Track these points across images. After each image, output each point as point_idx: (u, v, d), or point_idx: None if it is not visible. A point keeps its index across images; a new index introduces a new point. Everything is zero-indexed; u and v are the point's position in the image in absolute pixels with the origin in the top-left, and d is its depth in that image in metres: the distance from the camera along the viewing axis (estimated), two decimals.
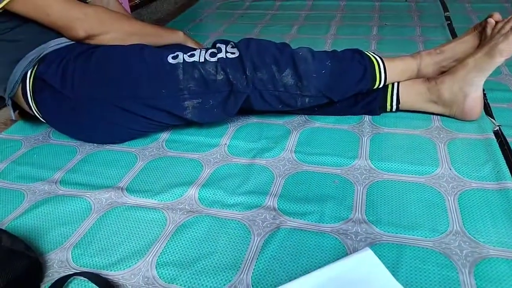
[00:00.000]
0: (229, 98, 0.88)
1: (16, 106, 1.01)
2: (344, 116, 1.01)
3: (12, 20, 0.89)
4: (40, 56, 0.92)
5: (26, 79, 0.92)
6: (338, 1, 1.99)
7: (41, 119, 0.96)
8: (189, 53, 0.89)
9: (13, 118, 1.03)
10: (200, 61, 0.87)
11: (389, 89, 0.98)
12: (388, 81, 0.96)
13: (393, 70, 0.95)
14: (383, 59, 0.95)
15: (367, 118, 1.00)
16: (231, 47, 0.89)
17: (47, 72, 0.90)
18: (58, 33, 0.93)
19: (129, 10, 1.72)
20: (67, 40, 0.94)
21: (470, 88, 0.91)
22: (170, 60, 0.87)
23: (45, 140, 1.02)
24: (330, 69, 0.89)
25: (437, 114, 0.99)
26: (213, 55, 0.87)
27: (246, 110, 0.97)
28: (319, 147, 0.90)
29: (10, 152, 0.97)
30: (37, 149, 0.98)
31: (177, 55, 0.88)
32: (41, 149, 0.98)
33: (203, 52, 0.88)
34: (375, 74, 0.93)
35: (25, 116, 1.09)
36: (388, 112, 1.01)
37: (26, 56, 0.92)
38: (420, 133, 0.93)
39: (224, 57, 0.87)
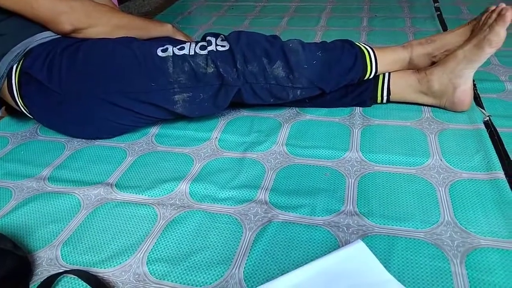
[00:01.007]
0: (219, 92, 0.87)
1: (2, 102, 0.99)
2: (335, 108, 1.01)
3: None
4: (26, 50, 0.90)
5: (11, 74, 0.90)
6: None
7: (28, 114, 0.95)
8: (178, 46, 0.87)
9: (0, 114, 1.01)
10: (190, 54, 0.85)
11: (380, 80, 0.98)
12: (380, 70, 0.95)
13: (384, 59, 0.95)
14: (374, 49, 0.95)
15: (358, 110, 1.00)
16: (221, 40, 0.88)
17: (33, 67, 0.88)
18: (43, 27, 0.91)
19: (117, 3, 1.69)
20: (53, 34, 0.92)
21: (460, 79, 0.91)
22: (159, 53, 0.86)
23: (32, 136, 1.00)
24: (321, 59, 0.89)
25: (427, 106, 0.99)
26: (203, 48, 0.86)
27: (237, 104, 0.96)
28: (310, 140, 0.90)
29: None
30: (24, 145, 0.96)
31: (167, 48, 0.87)
32: (29, 146, 0.96)
33: (193, 45, 0.87)
34: (366, 63, 0.93)
35: (12, 112, 1.07)
36: (379, 103, 1.01)
37: (12, 51, 0.90)
38: (411, 124, 0.93)
39: (215, 50, 0.86)
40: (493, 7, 0.88)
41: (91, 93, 0.86)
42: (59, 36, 0.92)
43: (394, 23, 1.54)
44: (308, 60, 0.88)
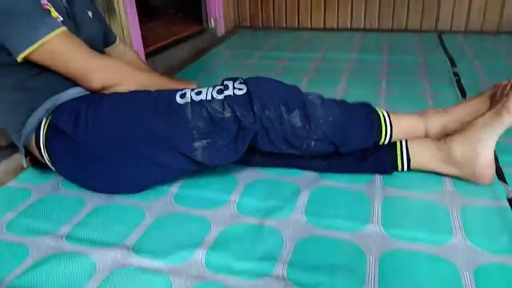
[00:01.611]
0: (237, 137, 0.87)
1: (27, 152, 1.01)
2: (354, 174, 1.01)
3: (31, 69, 0.91)
4: (56, 105, 0.93)
5: (40, 128, 0.93)
6: (347, 55, 2.04)
7: (51, 167, 0.97)
8: (196, 91, 0.89)
9: (25, 166, 1.03)
10: (207, 99, 0.87)
11: (398, 146, 0.98)
12: (394, 137, 0.96)
13: (400, 126, 0.96)
14: (390, 114, 0.96)
15: (378, 178, 0.99)
16: (239, 83, 0.89)
17: (61, 119, 0.91)
18: (74, 83, 0.95)
19: (144, 57, 1.77)
20: (83, 90, 0.96)
21: (481, 148, 0.91)
22: (178, 99, 0.87)
23: (54, 189, 1.01)
24: (337, 118, 0.90)
25: (449, 176, 0.97)
26: (220, 92, 0.87)
27: (255, 164, 0.97)
28: (329, 209, 0.89)
29: (18, 201, 0.97)
30: (45, 200, 0.97)
31: (185, 93, 0.88)
32: (50, 200, 0.97)
33: (210, 89, 0.89)
34: (381, 129, 0.94)
35: (36, 162, 1.09)
36: (399, 171, 1.00)
37: (43, 105, 0.94)
38: (433, 197, 0.92)
39: (232, 94, 0.87)
40: (505, 82, 0.93)
41: (113, 144, 0.88)
42: (88, 92, 0.96)
43: (413, 87, 1.57)
44: (325, 115, 0.89)
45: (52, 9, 0.93)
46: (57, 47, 0.88)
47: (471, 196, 0.91)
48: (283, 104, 0.87)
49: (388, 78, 1.68)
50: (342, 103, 0.94)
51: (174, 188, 0.99)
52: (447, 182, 0.97)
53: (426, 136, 0.99)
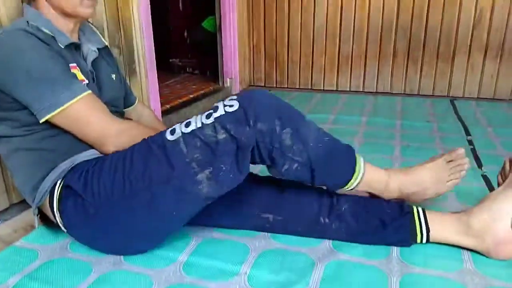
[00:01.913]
0: (238, 156, 0.85)
1: (38, 211, 1.01)
2: (371, 246, 0.97)
3: (50, 129, 0.93)
4: (71, 166, 0.94)
5: (55, 188, 0.93)
6: (360, 117, 2.06)
7: (62, 228, 0.96)
8: (185, 123, 0.87)
9: (36, 226, 1.03)
10: (198, 127, 0.85)
11: (415, 213, 0.97)
12: (362, 183, 0.97)
13: (371, 174, 0.98)
14: (365, 163, 0.98)
15: (395, 252, 0.96)
16: (230, 100, 0.87)
17: (73, 179, 0.91)
18: (90, 145, 0.96)
19: (160, 115, 1.81)
20: (97, 152, 0.97)
21: (499, 218, 0.90)
22: (169, 137, 0.86)
23: (62, 252, 0.99)
24: (326, 146, 0.91)
25: (469, 249, 0.94)
26: (209, 116, 0.86)
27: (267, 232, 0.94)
28: (345, 287, 0.85)
29: (25, 263, 0.95)
30: (52, 262, 0.95)
31: (174, 129, 0.87)
32: (56, 263, 0.95)
33: (199, 117, 0.87)
34: (356, 171, 0.95)
35: (47, 220, 1.08)
36: (419, 243, 0.97)
37: (59, 166, 0.94)
38: (453, 276, 0.87)
39: (222, 113, 0.85)
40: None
41: (120, 202, 0.87)
42: (102, 154, 0.96)
43: (427, 155, 1.53)
44: (316, 141, 0.90)
45: (79, 72, 0.97)
46: (78, 111, 0.90)
47: (492, 276, 0.87)
48: (278, 118, 0.86)
49: (402, 144, 1.68)
50: (330, 135, 0.96)
51: (184, 256, 0.97)
52: (468, 259, 0.93)
53: (384, 191, 1.00)
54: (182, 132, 0.85)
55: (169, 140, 0.86)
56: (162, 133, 0.88)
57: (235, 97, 0.87)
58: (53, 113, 0.88)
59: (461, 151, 1.02)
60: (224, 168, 0.85)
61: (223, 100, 0.88)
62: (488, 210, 0.92)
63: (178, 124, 0.89)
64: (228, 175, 0.86)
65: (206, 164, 0.84)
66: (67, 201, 0.92)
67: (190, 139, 0.84)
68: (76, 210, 0.91)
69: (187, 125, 0.86)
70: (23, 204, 1.18)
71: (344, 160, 0.95)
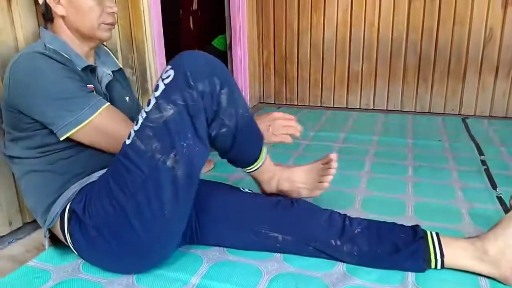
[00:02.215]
0: (195, 125, 0.82)
1: (49, 232, 1.01)
2: (386, 271, 0.96)
3: (62, 151, 0.95)
4: (79, 189, 0.95)
5: (64, 212, 0.94)
6: (371, 136, 2.05)
7: (73, 250, 0.96)
8: (135, 122, 0.85)
9: (46, 248, 1.03)
10: (144, 117, 0.82)
11: (429, 238, 0.95)
12: (262, 166, 1.03)
13: (267, 159, 1.05)
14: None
15: (411, 278, 0.94)
16: (165, 71, 0.83)
17: (75, 203, 0.92)
18: (101, 167, 0.97)
19: None
20: None
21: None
22: (127, 142, 0.84)
23: (74, 272, 0.99)
24: (249, 117, 0.93)
25: (485, 276, 0.92)
26: (149, 102, 0.83)
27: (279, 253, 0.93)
28: None
29: (38, 283, 0.95)
30: (65, 283, 0.95)
31: (130, 133, 0.85)
32: (69, 284, 0.95)
33: (143, 109, 0.84)
34: (263, 149, 1.01)
35: (58, 240, 1.09)
36: (433, 268, 0.95)
37: (69, 190, 0.95)
38: None
39: (163, 88, 0.81)
40: None
41: (111, 217, 0.86)
42: None
43: (440, 175, 1.54)
44: (244, 107, 0.90)
45: (95, 93, 0.98)
46: (100, 124, 0.92)
47: None
48: (216, 76, 0.83)
49: (414, 164, 1.66)
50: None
51: (196, 279, 0.96)
52: (484, 284, 0.91)
53: (265, 185, 1.08)
54: (134, 131, 0.83)
55: (127, 145, 0.84)
56: (123, 142, 0.86)
57: (169, 66, 0.83)
58: (74, 130, 0.90)
59: (333, 156, 1.09)
60: (185, 144, 0.81)
61: (161, 76, 0.84)
62: (502, 235, 0.90)
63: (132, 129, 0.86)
64: (194, 149, 0.83)
65: (167, 148, 0.81)
66: (74, 224, 0.92)
67: (142, 133, 0.82)
68: (82, 233, 0.91)
69: (136, 123, 0.84)
70: (36, 223, 1.19)
71: (257, 137, 0.98)
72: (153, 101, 0.81)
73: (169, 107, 0.80)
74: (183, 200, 0.88)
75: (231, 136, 0.90)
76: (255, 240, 1.02)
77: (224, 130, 0.87)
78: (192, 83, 0.80)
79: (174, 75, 0.81)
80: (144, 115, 0.82)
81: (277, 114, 1.11)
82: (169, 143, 0.81)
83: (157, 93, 0.81)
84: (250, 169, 1.03)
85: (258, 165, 1.02)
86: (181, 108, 0.80)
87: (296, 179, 1.10)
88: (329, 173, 1.09)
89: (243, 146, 0.95)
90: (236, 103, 0.87)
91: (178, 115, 0.80)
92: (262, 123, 1.08)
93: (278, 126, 1.10)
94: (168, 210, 0.85)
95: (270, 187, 1.10)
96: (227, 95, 0.84)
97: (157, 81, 0.84)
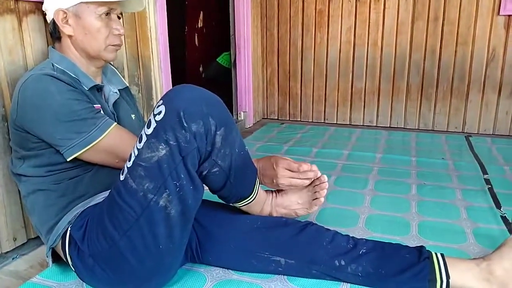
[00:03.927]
0: (187, 166, 0.79)
1: (52, 251, 1.01)
2: None
3: (69, 171, 0.96)
4: (81, 211, 0.95)
5: (66, 233, 0.94)
6: (374, 153, 2.05)
7: (73, 270, 0.96)
8: (128, 157, 0.83)
9: (50, 266, 1.03)
10: (136, 155, 0.80)
11: (434, 259, 0.94)
12: (255, 199, 1.01)
13: (260, 192, 1.05)
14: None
15: None
16: (157, 107, 0.80)
17: (75, 227, 0.92)
18: (104, 188, 0.98)
19: None
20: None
21: None
22: (121, 178, 0.83)
23: None
24: (244, 155, 0.92)
25: None
26: (140, 139, 0.80)
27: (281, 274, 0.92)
28: None
29: None
30: None
31: (123, 168, 0.83)
32: None
33: (135, 145, 0.82)
34: (256, 183, 1.00)
35: (59, 259, 1.09)
36: None
37: (72, 211, 0.96)
38: None
39: (154, 127, 0.78)
40: None
41: (106, 250, 0.86)
42: None
43: (444, 194, 1.53)
44: (240, 146, 0.89)
45: (103, 113, 0.99)
46: (108, 144, 0.93)
47: None
48: (210, 116, 0.79)
49: (418, 182, 1.66)
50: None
51: None
52: None
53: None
54: (127, 168, 0.81)
55: (121, 181, 0.82)
56: (119, 176, 0.84)
57: (161, 101, 0.80)
58: (82, 151, 0.91)
59: (324, 178, 1.10)
60: (178, 184, 0.79)
61: (153, 111, 0.81)
62: (508, 256, 0.90)
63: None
64: (187, 188, 0.81)
65: (159, 189, 0.79)
66: (73, 250, 0.92)
67: (134, 172, 0.79)
68: (80, 259, 0.91)
69: (129, 158, 0.81)
70: (39, 239, 1.19)
71: (251, 174, 0.97)
72: (144, 139, 0.79)
73: (161, 147, 0.77)
74: (178, 236, 0.86)
75: (224, 176, 0.88)
76: (256, 265, 1.01)
77: (215, 169, 0.86)
78: (185, 124, 0.77)
79: (166, 112, 0.78)
80: (136, 152, 0.80)
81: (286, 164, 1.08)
82: (162, 183, 0.79)
83: (149, 131, 0.79)
84: (241, 204, 1.01)
85: (250, 200, 1.00)
86: (173, 148, 0.77)
87: (290, 203, 1.12)
88: (323, 188, 1.10)
89: (235, 184, 0.92)
90: (232, 143, 0.85)
91: (170, 156, 0.78)
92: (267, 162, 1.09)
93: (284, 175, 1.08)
94: (163, 244, 0.84)
95: (262, 214, 1.09)
96: (223, 136, 0.82)
97: (149, 115, 0.82)
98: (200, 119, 0.78)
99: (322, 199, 1.11)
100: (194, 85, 0.83)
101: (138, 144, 0.80)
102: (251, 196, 0.99)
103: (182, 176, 0.79)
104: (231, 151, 0.85)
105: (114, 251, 0.85)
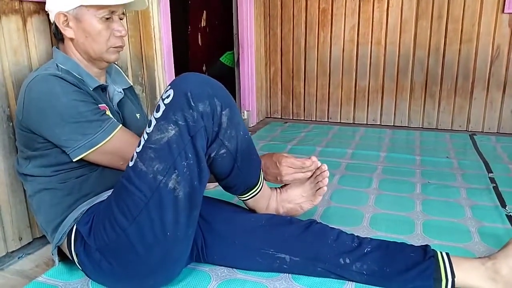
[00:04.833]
0: (195, 146, 0.81)
1: (58, 249, 1.02)
2: None
3: (75, 170, 0.96)
4: (88, 208, 0.96)
5: (72, 231, 0.95)
6: (378, 152, 2.05)
7: (80, 268, 0.96)
8: (137, 145, 0.85)
9: (56, 264, 1.03)
10: (145, 139, 0.82)
11: (439, 258, 0.94)
12: (260, 192, 1.03)
13: (265, 184, 1.07)
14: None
15: None
16: (165, 91, 0.83)
17: (81, 223, 0.93)
18: (110, 187, 0.98)
19: None
20: None
21: None
22: (130, 164, 0.84)
23: None
24: (249, 140, 0.93)
25: None
26: (150, 123, 0.83)
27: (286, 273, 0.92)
28: None
29: None
30: None
31: (133, 155, 0.85)
32: None
33: (144, 131, 0.84)
34: (260, 174, 1.02)
35: (66, 257, 1.09)
36: None
37: (77, 209, 0.96)
38: None
39: (164, 108, 0.81)
40: None
41: (113, 242, 0.86)
42: None
43: (449, 193, 1.53)
44: (244, 129, 0.90)
45: (108, 112, 1.00)
46: (113, 147, 0.93)
47: None
48: (215, 96, 0.83)
49: (422, 181, 1.65)
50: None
51: None
52: None
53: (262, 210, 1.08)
54: (136, 153, 0.83)
55: (130, 167, 0.84)
56: (127, 165, 0.86)
57: (169, 86, 0.84)
58: (87, 153, 0.91)
59: (324, 167, 1.12)
60: (186, 164, 0.81)
61: (161, 96, 0.84)
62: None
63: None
64: (194, 169, 0.83)
65: (169, 169, 0.80)
66: (79, 245, 0.93)
67: (143, 155, 0.81)
68: (86, 254, 0.92)
69: (139, 144, 0.84)
70: (45, 238, 1.20)
71: (256, 160, 0.98)
72: (154, 122, 0.81)
73: (170, 127, 0.80)
74: (185, 222, 0.86)
75: (230, 159, 0.90)
76: (261, 262, 1.01)
77: (223, 151, 0.87)
78: (193, 103, 0.80)
79: (174, 94, 0.81)
80: (146, 136, 0.82)
81: (289, 160, 1.11)
82: (171, 164, 0.81)
83: (158, 114, 0.82)
84: (248, 195, 1.02)
85: (257, 191, 1.01)
86: (182, 128, 0.80)
87: (295, 197, 1.13)
88: (324, 176, 1.11)
89: (242, 169, 0.93)
90: (237, 125, 0.88)
91: (179, 136, 0.80)
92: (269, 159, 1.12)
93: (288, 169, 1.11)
94: (170, 231, 0.85)
95: (267, 211, 1.10)
96: (228, 116, 0.85)
97: (158, 101, 0.84)
98: (206, 99, 0.81)
99: (325, 188, 1.12)
100: (199, 73, 0.87)
101: (147, 129, 0.82)
102: (257, 185, 1.00)
103: (190, 155, 0.81)
104: (236, 133, 0.88)
105: (122, 240, 0.85)
